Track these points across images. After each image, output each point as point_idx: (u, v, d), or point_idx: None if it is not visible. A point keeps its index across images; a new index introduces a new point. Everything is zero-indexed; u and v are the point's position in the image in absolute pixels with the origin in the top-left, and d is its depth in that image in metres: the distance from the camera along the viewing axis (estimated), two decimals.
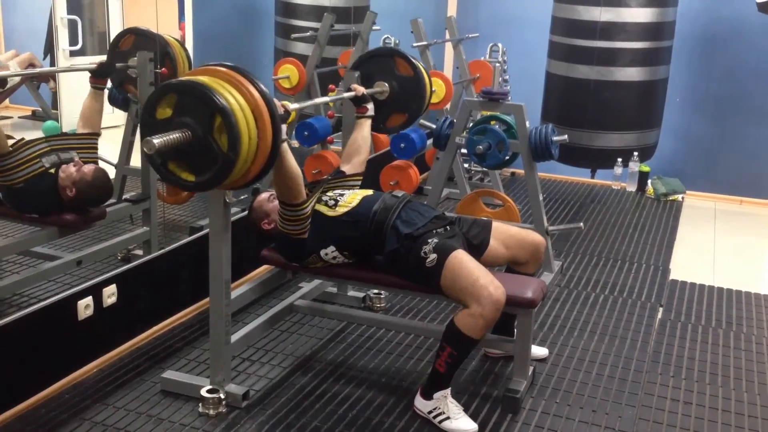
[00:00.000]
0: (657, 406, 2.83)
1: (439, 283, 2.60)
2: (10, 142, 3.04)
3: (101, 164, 3.27)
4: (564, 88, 5.53)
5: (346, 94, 3.18)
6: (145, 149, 2.11)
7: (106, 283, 2.88)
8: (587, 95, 5.39)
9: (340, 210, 2.75)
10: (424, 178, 5.05)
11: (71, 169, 3.04)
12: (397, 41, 5.54)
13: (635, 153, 5.58)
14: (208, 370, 2.77)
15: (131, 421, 2.57)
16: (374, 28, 4.80)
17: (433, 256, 2.60)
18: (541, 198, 3.88)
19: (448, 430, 2.58)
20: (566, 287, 3.92)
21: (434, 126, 4.14)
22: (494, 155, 3.80)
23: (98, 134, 3.32)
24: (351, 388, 2.85)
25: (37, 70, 3.91)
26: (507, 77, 5.75)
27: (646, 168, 5.76)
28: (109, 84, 3.47)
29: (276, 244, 2.87)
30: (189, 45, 4.57)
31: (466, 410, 2.65)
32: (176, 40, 3.75)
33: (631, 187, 5.80)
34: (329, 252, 2.75)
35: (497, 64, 5.52)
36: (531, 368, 2.89)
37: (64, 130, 3.86)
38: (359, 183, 3.02)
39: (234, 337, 2.73)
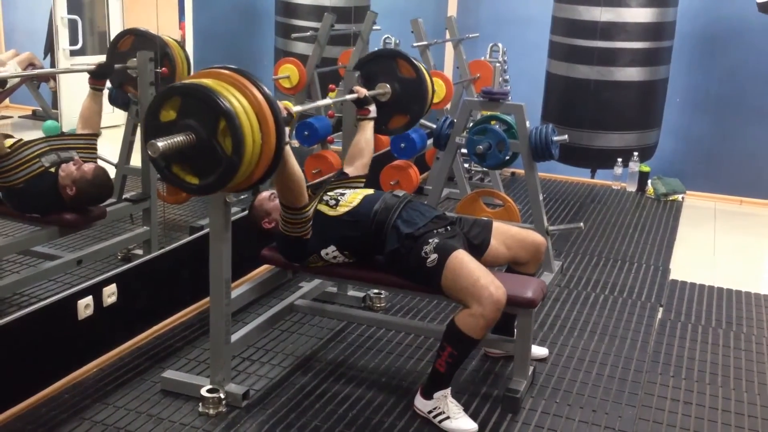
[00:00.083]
0: (657, 406, 2.83)
1: (439, 283, 2.60)
2: (9, 142, 3.04)
3: (101, 164, 3.27)
4: (564, 88, 5.53)
5: (349, 96, 3.18)
6: (149, 152, 2.11)
7: (107, 282, 2.88)
8: (587, 95, 5.39)
9: (341, 210, 2.75)
10: (424, 178, 5.05)
11: (71, 167, 3.04)
12: (398, 41, 5.54)
13: (635, 153, 5.58)
14: (208, 370, 2.77)
15: (131, 420, 2.57)
16: (374, 28, 4.80)
17: (434, 256, 2.60)
18: (541, 198, 3.88)
19: (448, 429, 2.58)
20: (566, 287, 3.92)
21: (434, 126, 4.14)
22: (494, 155, 3.80)
23: (97, 135, 3.32)
24: (351, 387, 2.85)
25: (36, 72, 3.91)
26: (507, 77, 5.75)
27: (646, 168, 5.76)
28: (108, 84, 3.48)
29: (277, 243, 2.87)
30: (189, 44, 4.58)
31: (466, 410, 2.65)
32: (175, 40, 3.75)
33: (631, 187, 5.80)
34: (330, 252, 2.75)
35: (497, 64, 5.52)
36: (531, 368, 2.89)
37: (64, 129, 3.86)
38: (362, 185, 3.02)
39: (234, 337, 2.73)
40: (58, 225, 3.13)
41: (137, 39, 3.50)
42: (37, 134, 3.81)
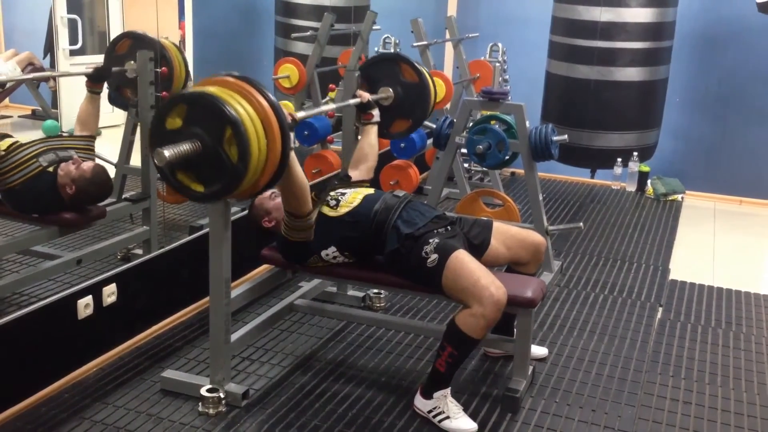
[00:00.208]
0: (656, 406, 2.83)
1: (440, 283, 2.60)
2: (5, 144, 3.03)
3: (100, 163, 3.27)
4: (564, 88, 5.53)
5: (352, 101, 3.18)
6: (155, 161, 2.11)
7: (106, 282, 2.88)
8: (587, 95, 5.39)
9: (342, 210, 2.75)
10: (424, 177, 5.05)
11: (70, 166, 3.04)
12: (397, 41, 5.54)
13: (635, 153, 5.58)
14: (208, 370, 2.77)
15: (131, 420, 2.57)
16: (374, 27, 4.79)
17: (435, 256, 2.60)
18: (541, 198, 3.88)
19: (448, 429, 2.58)
20: (566, 287, 3.92)
21: (434, 126, 4.14)
22: (494, 155, 3.80)
23: (95, 137, 3.32)
24: (351, 387, 2.85)
25: (32, 75, 3.92)
26: (507, 77, 5.75)
27: (645, 168, 5.76)
28: (106, 86, 3.48)
29: (277, 244, 2.87)
30: (189, 44, 4.58)
31: (465, 409, 2.65)
32: (173, 43, 3.76)
33: (631, 187, 5.81)
34: (330, 252, 2.75)
35: (497, 64, 5.52)
36: (531, 368, 2.89)
37: (64, 129, 3.86)
38: (366, 187, 3.02)
39: (234, 337, 2.73)
40: (57, 225, 3.13)
41: (135, 42, 3.50)
42: (37, 134, 3.81)
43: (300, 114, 2.57)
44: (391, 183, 4.45)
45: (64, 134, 3.66)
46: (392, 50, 5.50)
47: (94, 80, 3.33)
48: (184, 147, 2.14)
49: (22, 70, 4.01)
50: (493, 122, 3.87)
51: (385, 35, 5.55)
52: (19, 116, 4.29)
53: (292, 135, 2.37)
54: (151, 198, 3.54)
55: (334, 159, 4.44)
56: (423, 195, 4.63)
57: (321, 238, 2.72)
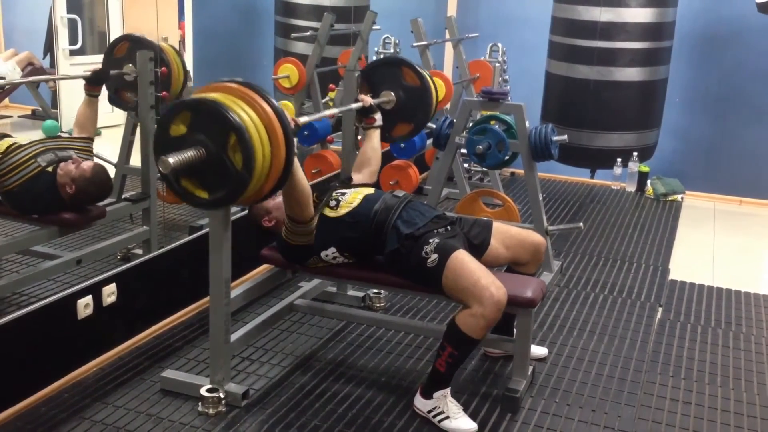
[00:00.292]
0: (656, 406, 2.83)
1: (440, 283, 2.60)
2: (3, 145, 3.03)
3: (99, 162, 3.27)
4: (564, 88, 5.53)
5: (354, 105, 3.18)
6: (160, 168, 2.11)
7: (106, 282, 2.88)
8: (587, 95, 5.39)
9: (342, 210, 2.75)
10: (423, 177, 5.05)
11: (70, 166, 3.03)
12: (397, 41, 5.54)
13: (635, 153, 5.58)
14: (208, 369, 2.77)
15: (131, 420, 2.57)
16: (374, 27, 4.80)
17: (435, 256, 2.60)
18: (540, 198, 3.88)
19: (448, 429, 2.58)
20: (566, 287, 3.92)
21: (434, 126, 4.14)
22: (494, 155, 3.80)
23: (92, 138, 3.32)
24: (351, 387, 2.85)
25: (30, 78, 3.93)
26: (507, 77, 5.75)
27: (645, 168, 5.76)
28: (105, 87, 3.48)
29: (277, 244, 2.86)
30: (189, 44, 4.57)
31: (465, 409, 2.65)
32: (171, 46, 3.76)
33: (631, 188, 5.81)
34: (329, 253, 2.75)
35: (497, 64, 5.52)
36: (530, 368, 2.89)
37: (64, 129, 3.86)
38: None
39: (234, 336, 2.73)
40: (57, 225, 3.13)
41: (133, 45, 3.50)
42: (37, 134, 3.82)
43: (303, 119, 2.58)
44: (391, 183, 4.45)
45: (64, 135, 3.66)
46: (392, 50, 5.51)
47: (93, 83, 3.32)
48: (189, 154, 2.14)
49: (22, 70, 4.02)
50: (492, 122, 3.87)
51: (385, 35, 5.55)
52: (18, 116, 4.30)
53: (295, 140, 2.37)
54: (151, 198, 3.54)
55: (334, 159, 4.45)
56: (423, 195, 4.64)
57: (321, 238, 2.72)
